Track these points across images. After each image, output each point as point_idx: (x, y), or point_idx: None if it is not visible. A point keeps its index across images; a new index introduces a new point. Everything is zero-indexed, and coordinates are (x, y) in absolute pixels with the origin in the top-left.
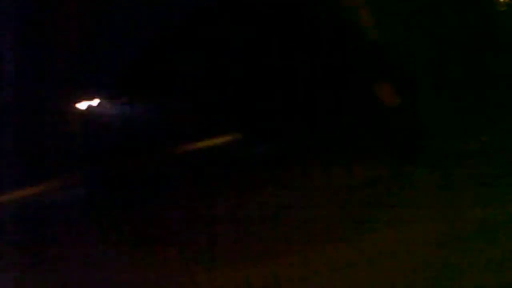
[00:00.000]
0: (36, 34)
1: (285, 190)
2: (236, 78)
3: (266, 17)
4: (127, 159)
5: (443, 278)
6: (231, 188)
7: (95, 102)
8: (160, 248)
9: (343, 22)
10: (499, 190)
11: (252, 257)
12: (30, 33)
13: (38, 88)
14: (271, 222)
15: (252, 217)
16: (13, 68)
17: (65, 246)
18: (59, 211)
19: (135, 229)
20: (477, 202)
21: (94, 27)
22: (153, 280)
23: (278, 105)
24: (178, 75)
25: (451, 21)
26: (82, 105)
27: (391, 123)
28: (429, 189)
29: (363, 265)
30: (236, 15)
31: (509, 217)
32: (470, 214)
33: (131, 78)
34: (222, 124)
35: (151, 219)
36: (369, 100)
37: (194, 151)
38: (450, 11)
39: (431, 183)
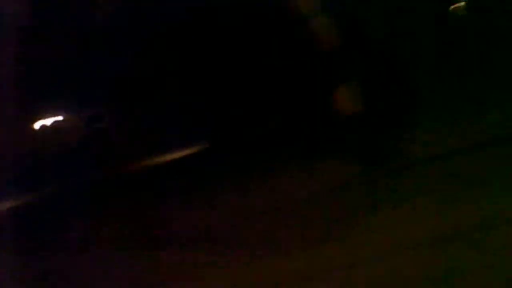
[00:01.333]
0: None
1: (252, 197)
2: (200, 90)
3: (226, 32)
4: (91, 173)
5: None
6: (197, 196)
7: (60, 117)
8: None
9: (299, 31)
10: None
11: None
12: None
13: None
14: (239, 228)
15: (224, 223)
16: None
17: None
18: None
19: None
20: (451, 203)
21: (58, 43)
22: None
23: (242, 113)
24: (143, 90)
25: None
26: (47, 121)
27: (354, 129)
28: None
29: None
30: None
31: (482, 220)
32: (445, 216)
33: (97, 92)
34: (189, 135)
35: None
36: (332, 105)
37: (163, 163)
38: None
39: (399, 186)
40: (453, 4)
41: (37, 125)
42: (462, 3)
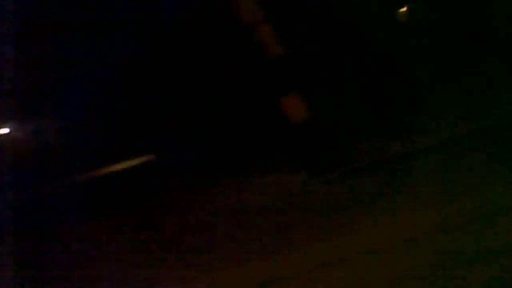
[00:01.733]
0: None
1: (193, 209)
2: (146, 101)
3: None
4: (37, 185)
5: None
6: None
7: (5, 130)
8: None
9: (245, 40)
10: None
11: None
12: None
13: None
14: (197, 237)
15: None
16: None
17: None
18: None
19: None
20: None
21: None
22: None
23: (186, 124)
24: (88, 100)
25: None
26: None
27: (300, 136)
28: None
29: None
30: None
31: (425, 229)
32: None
33: (41, 103)
34: (136, 146)
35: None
36: (278, 114)
37: (109, 174)
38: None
39: (344, 194)
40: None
41: None
42: (404, 9)
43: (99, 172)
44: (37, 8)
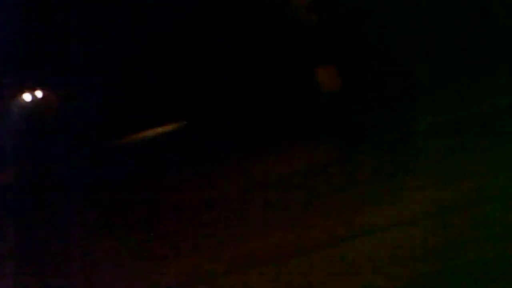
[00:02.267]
0: None
1: (234, 178)
2: (176, 68)
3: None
4: (72, 150)
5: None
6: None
7: (39, 93)
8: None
9: (281, 6)
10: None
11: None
12: None
13: None
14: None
15: (213, 204)
16: None
17: None
18: None
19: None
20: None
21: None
22: None
23: (219, 93)
24: (121, 68)
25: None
26: (26, 97)
27: (333, 107)
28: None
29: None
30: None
31: (457, 203)
32: (424, 197)
33: (76, 69)
34: (167, 112)
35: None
36: (311, 84)
37: (141, 140)
38: None
39: (378, 165)
40: None
41: (15, 101)
42: None
43: (129, 138)
44: None
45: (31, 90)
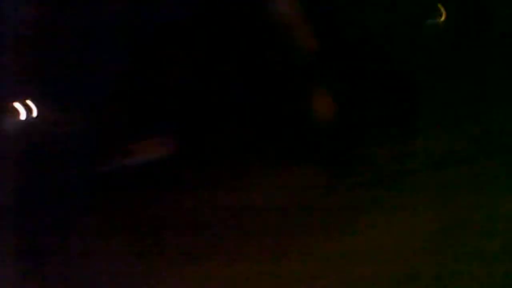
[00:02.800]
0: None
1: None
2: (164, 84)
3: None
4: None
5: None
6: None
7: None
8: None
9: (281, 34)
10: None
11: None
12: None
13: None
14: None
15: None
16: None
17: None
18: None
19: None
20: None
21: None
22: None
23: (208, 109)
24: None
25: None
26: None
27: (324, 137)
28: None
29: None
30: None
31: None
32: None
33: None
34: (158, 131)
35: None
36: (304, 112)
37: (132, 164)
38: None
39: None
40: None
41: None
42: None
43: (119, 162)
44: None
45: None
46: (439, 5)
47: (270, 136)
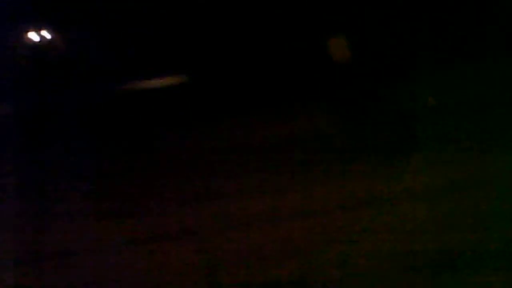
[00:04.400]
0: None
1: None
2: (188, 22)
3: None
4: (73, 95)
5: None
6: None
7: (44, 33)
8: None
9: None
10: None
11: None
12: None
13: None
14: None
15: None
16: None
17: None
18: None
19: None
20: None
21: None
22: None
23: (227, 51)
24: (127, 14)
25: None
26: (34, 36)
27: (340, 78)
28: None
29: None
30: None
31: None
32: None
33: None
34: (168, 63)
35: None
36: (322, 54)
37: (140, 91)
38: None
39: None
40: None
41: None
42: None
43: (128, 87)
44: None
45: (38, 30)
46: None
47: (285, 74)
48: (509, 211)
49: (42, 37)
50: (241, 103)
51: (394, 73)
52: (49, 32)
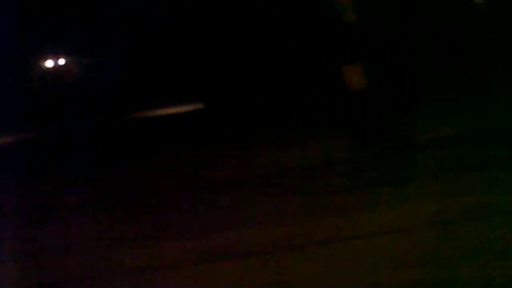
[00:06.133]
0: None
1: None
2: (206, 50)
3: None
4: (88, 120)
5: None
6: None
7: (62, 60)
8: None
9: (320, 2)
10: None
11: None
12: None
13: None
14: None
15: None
16: None
17: None
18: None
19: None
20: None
21: None
22: None
23: (243, 79)
24: (146, 41)
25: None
26: (48, 63)
27: (354, 105)
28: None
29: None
30: None
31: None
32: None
33: (100, 40)
34: (186, 92)
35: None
36: (337, 81)
37: (156, 117)
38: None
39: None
40: None
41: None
42: None
43: (145, 114)
44: None
45: (54, 57)
46: None
47: (303, 102)
48: None
49: (57, 64)
50: (257, 129)
51: (410, 102)
52: (66, 59)
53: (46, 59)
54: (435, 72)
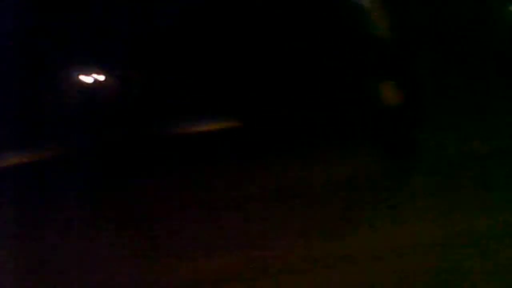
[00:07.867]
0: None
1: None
2: (242, 67)
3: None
4: (125, 136)
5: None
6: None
7: (101, 76)
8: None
9: (354, 18)
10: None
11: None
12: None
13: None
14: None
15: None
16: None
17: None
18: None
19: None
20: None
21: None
22: None
23: (279, 96)
24: (183, 59)
25: (458, 23)
26: (87, 79)
27: (388, 121)
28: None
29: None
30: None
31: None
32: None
33: (138, 58)
34: (223, 110)
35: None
36: (371, 97)
37: (194, 134)
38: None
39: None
40: None
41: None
42: None
43: (181, 130)
44: None
45: (93, 74)
46: None
47: (337, 119)
48: None
49: (95, 79)
50: (293, 145)
51: (443, 119)
52: (104, 74)
53: (86, 75)
54: (468, 87)
